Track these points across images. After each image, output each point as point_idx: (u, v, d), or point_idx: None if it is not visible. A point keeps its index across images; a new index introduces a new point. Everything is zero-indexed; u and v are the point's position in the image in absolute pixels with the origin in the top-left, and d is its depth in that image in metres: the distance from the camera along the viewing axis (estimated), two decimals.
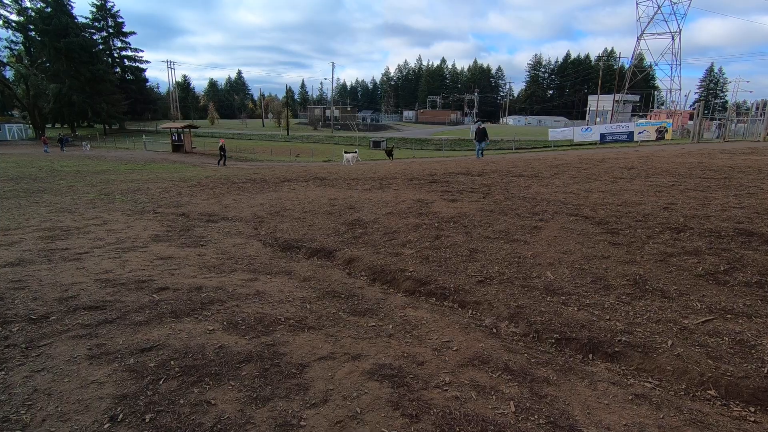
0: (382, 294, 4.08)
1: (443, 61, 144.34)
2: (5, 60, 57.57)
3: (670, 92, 63.35)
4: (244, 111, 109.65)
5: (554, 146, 33.86)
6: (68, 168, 22.58)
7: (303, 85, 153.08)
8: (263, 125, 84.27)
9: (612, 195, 7.55)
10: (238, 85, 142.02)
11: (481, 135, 20.57)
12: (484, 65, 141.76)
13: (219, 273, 4.44)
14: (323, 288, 4.09)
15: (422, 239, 5.57)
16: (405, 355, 2.77)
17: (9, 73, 57.18)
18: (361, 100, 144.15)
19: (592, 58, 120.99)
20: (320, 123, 79.05)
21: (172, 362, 2.48)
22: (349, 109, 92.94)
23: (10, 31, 59.43)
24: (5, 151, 38.94)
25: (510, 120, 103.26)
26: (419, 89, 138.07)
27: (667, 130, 29.43)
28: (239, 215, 7.81)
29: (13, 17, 58.22)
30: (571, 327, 3.29)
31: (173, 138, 40.82)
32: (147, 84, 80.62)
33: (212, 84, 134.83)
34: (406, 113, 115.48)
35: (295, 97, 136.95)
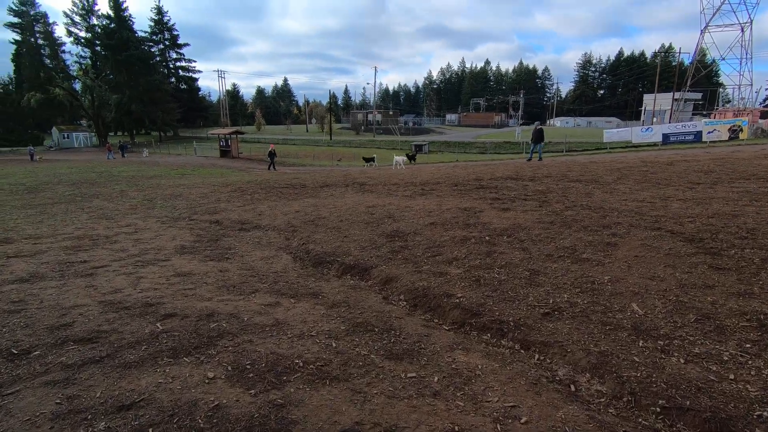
0: (424, 327, 3.38)
1: (487, 62, 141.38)
2: (74, 74, 62.26)
3: (739, 88, 58.13)
4: (290, 117, 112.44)
5: (609, 148, 31.65)
6: (125, 173, 23.53)
7: (346, 91, 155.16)
8: (307, 130, 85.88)
9: (697, 204, 6.41)
10: (284, 92, 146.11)
11: (538, 136, 19.43)
12: (530, 66, 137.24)
13: (238, 294, 3.91)
14: (354, 318, 3.44)
15: (471, 256, 4.81)
16: (456, 428, 2.05)
17: (77, 85, 61.65)
18: (403, 105, 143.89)
19: (648, 54, 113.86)
20: (363, 127, 79.39)
21: (150, 431, 1.90)
22: (391, 113, 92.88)
23: (80, 47, 64.46)
24: (72, 158, 41.80)
25: (557, 122, 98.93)
26: (462, 92, 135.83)
27: (741, 129, 26.59)
28: (272, 223, 7.37)
29: (82, 34, 63.06)
30: (681, 390, 2.43)
31: (221, 144, 42.12)
32: (199, 93, 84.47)
33: (260, 91, 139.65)
34: (448, 116, 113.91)
35: (339, 102, 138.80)
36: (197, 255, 5.26)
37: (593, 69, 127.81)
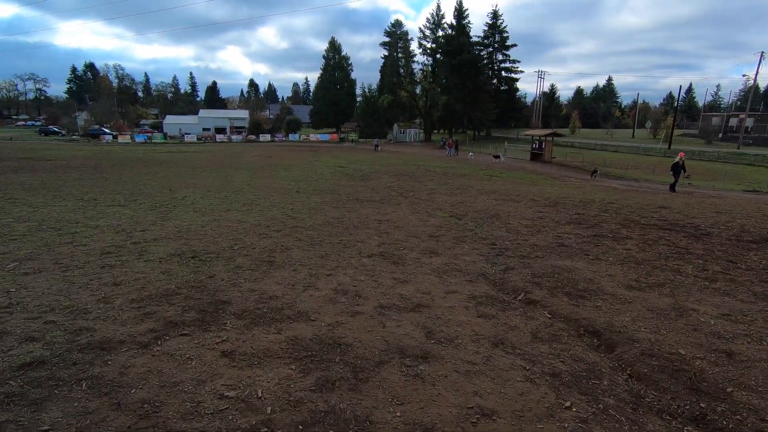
0: None
1: None
2: (417, 79, 72.50)
3: None
4: (610, 120, 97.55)
5: None
6: (438, 169, 23.47)
7: (690, 90, 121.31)
8: (633, 135, 71.57)
9: None
10: (605, 92, 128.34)
11: None
12: None
13: None
14: None
15: None
16: None
17: (418, 89, 71.58)
18: None
19: None
20: (718, 135, 59.22)
21: None
22: None
23: (425, 56, 74.69)
24: (403, 150, 47.88)
25: None
26: None
27: None
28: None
29: (429, 45, 72.61)
30: None
31: (533, 146, 38.68)
32: (517, 94, 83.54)
33: (578, 92, 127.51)
34: None
35: (676, 104, 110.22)
36: None
37: None
